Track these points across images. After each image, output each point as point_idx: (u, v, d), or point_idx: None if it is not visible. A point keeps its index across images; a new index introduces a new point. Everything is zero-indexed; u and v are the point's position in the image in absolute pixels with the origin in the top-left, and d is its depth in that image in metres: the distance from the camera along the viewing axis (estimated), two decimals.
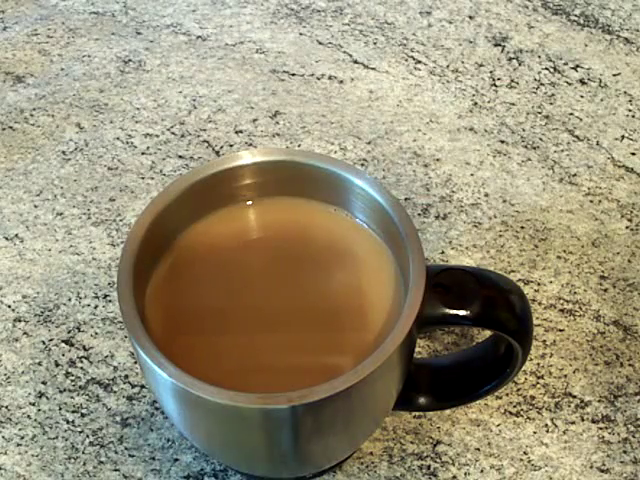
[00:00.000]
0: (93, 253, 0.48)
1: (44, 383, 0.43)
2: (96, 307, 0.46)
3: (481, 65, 0.57)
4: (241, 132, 0.53)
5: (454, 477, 0.40)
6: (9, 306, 0.46)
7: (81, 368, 0.44)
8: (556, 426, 0.41)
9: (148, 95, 0.56)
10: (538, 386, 0.43)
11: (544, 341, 0.44)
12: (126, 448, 0.41)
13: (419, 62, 0.57)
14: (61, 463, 0.41)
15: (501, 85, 0.56)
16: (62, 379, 0.43)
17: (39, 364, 0.44)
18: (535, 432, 0.41)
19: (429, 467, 0.40)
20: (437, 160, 0.52)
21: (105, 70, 0.57)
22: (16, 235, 0.49)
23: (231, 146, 0.53)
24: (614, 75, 0.56)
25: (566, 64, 0.57)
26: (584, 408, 0.42)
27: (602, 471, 0.40)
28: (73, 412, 0.42)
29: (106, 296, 0.46)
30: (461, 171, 0.51)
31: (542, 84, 0.56)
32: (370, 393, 0.34)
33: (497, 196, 0.50)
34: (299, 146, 0.52)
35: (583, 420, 0.42)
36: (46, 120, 0.55)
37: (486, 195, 0.50)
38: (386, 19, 0.60)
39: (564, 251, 0.47)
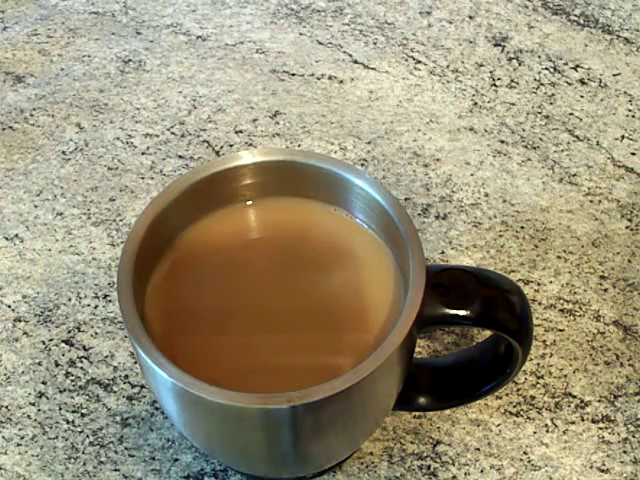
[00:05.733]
0: (93, 253, 0.48)
1: (44, 383, 0.43)
2: (96, 307, 0.46)
3: (481, 65, 0.57)
4: (241, 132, 0.53)
5: (454, 477, 0.40)
6: (9, 306, 0.46)
7: (81, 368, 0.44)
8: (556, 426, 0.41)
9: (148, 95, 0.56)
10: (538, 386, 0.43)
11: (544, 341, 0.44)
12: (126, 448, 0.41)
13: (419, 62, 0.57)
14: (61, 463, 0.41)
15: (501, 85, 0.56)
16: (62, 379, 0.43)
17: (39, 364, 0.44)
18: (535, 432, 0.41)
19: (429, 467, 0.40)
20: (437, 160, 0.52)
21: (105, 70, 0.57)
22: (16, 235, 0.49)
23: (231, 146, 0.53)
24: (614, 75, 0.56)
25: (566, 64, 0.57)
26: (584, 408, 0.42)
27: (602, 471, 0.40)
28: (73, 412, 0.42)
29: (106, 296, 0.46)
30: (461, 171, 0.51)
31: (542, 84, 0.56)
32: (370, 393, 0.34)
33: (497, 196, 0.50)
34: (299, 146, 0.52)
35: (583, 420, 0.42)
36: (46, 120, 0.55)
37: (486, 195, 0.50)
38: (386, 19, 0.60)
39: (564, 251, 0.47)
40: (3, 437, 0.42)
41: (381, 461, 0.41)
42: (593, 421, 0.42)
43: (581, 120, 0.54)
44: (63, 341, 0.45)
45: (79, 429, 0.42)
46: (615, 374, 0.43)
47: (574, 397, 0.42)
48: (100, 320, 0.45)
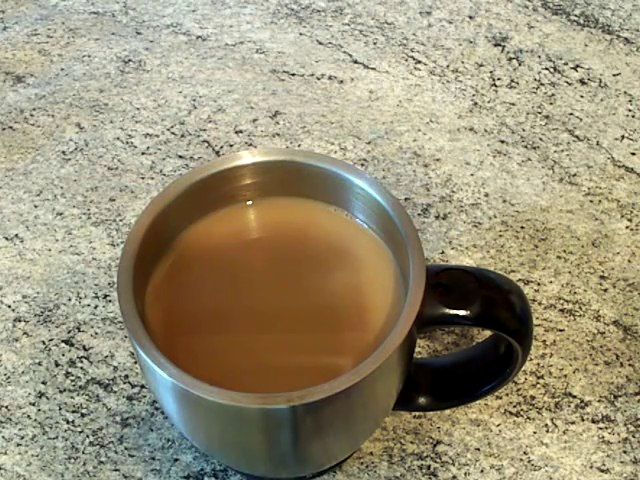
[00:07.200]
0: (93, 253, 0.48)
1: (44, 383, 0.43)
2: (96, 307, 0.46)
3: (481, 65, 0.57)
4: (241, 132, 0.53)
5: (454, 477, 0.40)
6: (9, 306, 0.46)
7: (81, 368, 0.44)
8: (556, 426, 0.41)
9: (148, 95, 0.56)
10: (538, 386, 0.43)
11: (544, 341, 0.44)
12: (126, 448, 0.41)
13: (419, 62, 0.57)
14: (61, 463, 0.41)
15: (501, 85, 0.56)
16: (62, 379, 0.43)
17: (39, 364, 0.44)
18: (535, 432, 0.41)
19: (429, 467, 0.40)
20: (437, 160, 0.52)
21: (105, 70, 0.57)
22: (16, 235, 0.49)
23: (231, 146, 0.53)
24: (614, 75, 0.56)
25: (566, 64, 0.57)
26: (584, 408, 0.42)
27: (602, 471, 0.40)
28: (73, 412, 0.42)
29: (106, 296, 0.46)
30: (461, 171, 0.51)
31: (542, 84, 0.56)
32: (370, 393, 0.34)
33: (497, 196, 0.50)
34: (299, 146, 0.52)
35: (583, 420, 0.42)
36: (46, 120, 0.55)
37: (486, 195, 0.50)
38: (386, 19, 0.60)
39: (564, 251, 0.47)
40: (3, 437, 0.42)
41: (381, 461, 0.41)
42: (593, 421, 0.42)
43: (581, 120, 0.54)
44: (63, 341, 0.45)
45: (79, 429, 0.42)
46: (615, 374, 0.43)
47: (574, 397, 0.42)
48: (100, 320, 0.45)
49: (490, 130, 0.53)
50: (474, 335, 0.44)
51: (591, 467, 0.40)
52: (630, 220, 0.49)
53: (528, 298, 0.37)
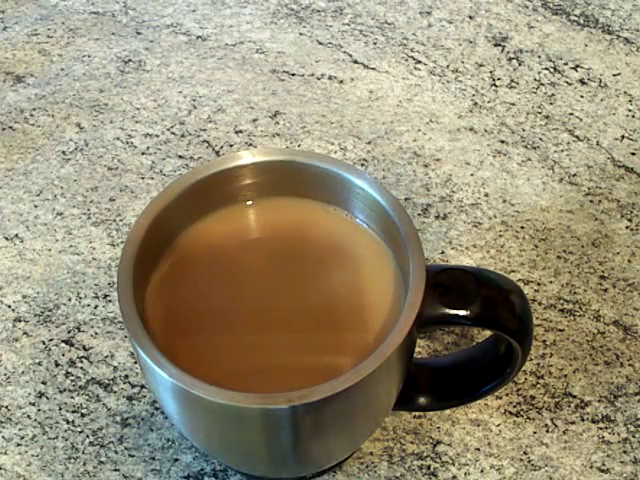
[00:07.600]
0: (93, 253, 0.48)
1: (44, 383, 0.43)
2: (96, 307, 0.46)
3: (481, 65, 0.57)
4: (241, 132, 0.53)
5: (454, 477, 0.40)
6: (9, 306, 0.46)
7: (81, 368, 0.44)
8: (556, 426, 0.41)
9: (148, 95, 0.56)
10: (538, 386, 0.43)
11: (544, 341, 0.44)
12: (126, 448, 0.41)
13: (419, 62, 0.57)
14: (61, 463, 0.41)
15: (501, 85, 0.56)
16: (62, 379, 0.43)
17: (39, 364, 0.44)
18: (535, 432, 0.41)
19: (429, 467, 0.40)
20: (437, 160, 0.52)
21: (105, 70, 0.57)
22: (16, 235, 0.49)
23: (231, 146, 0.53)
24: (614, 75, 0.56)
25: (566, 64, 0.57)
26: (584, 408, 0.42)
27: (602, 471, 0.40)
28: (73, 412, 0.42)
29: (106, 296, 0.46)
30: (461, 171, 0.51)
31: (542, 84, 0.56)
32: (370, 393, 0.34)
33: (497, 196, 0.50)
34: (299, 146, 0.52)
35: (583, 420, 0.42)
36: (46, 120, 0.55)
37: (486, 195, 0.50)
38: (386, 19, 0.60)
39: (564, 251, 0.47)
40: (3, 437, 0.42)
41: (381, 461, 0.41)
42: (593, 421, 0.42)
43: (581, 120, 0.54)
44: (63, 341, 0.45)
45: (79, 429, 0.42)
46: (615, 374, 0.43)
47: (574, 397, 0.42)
48: (100, 320, 0.45)
49: (490, 130, 0.53)
50: (474, 335, 0.44)
51: (591, 467, 0.40)
52: (630, 220, 0.49)
53: (528, 298, 0.37)
